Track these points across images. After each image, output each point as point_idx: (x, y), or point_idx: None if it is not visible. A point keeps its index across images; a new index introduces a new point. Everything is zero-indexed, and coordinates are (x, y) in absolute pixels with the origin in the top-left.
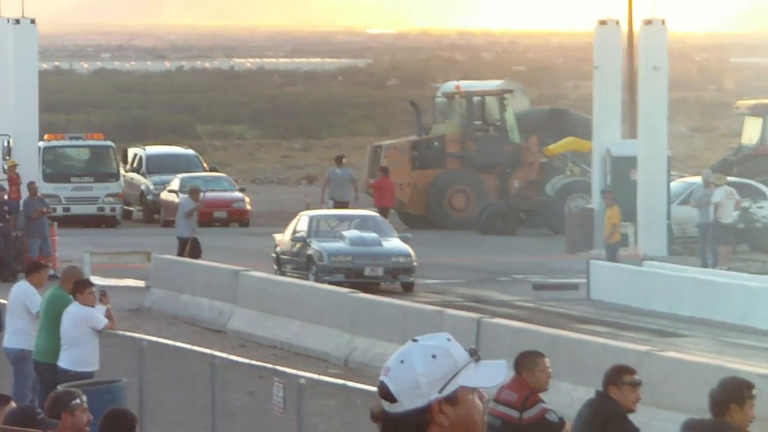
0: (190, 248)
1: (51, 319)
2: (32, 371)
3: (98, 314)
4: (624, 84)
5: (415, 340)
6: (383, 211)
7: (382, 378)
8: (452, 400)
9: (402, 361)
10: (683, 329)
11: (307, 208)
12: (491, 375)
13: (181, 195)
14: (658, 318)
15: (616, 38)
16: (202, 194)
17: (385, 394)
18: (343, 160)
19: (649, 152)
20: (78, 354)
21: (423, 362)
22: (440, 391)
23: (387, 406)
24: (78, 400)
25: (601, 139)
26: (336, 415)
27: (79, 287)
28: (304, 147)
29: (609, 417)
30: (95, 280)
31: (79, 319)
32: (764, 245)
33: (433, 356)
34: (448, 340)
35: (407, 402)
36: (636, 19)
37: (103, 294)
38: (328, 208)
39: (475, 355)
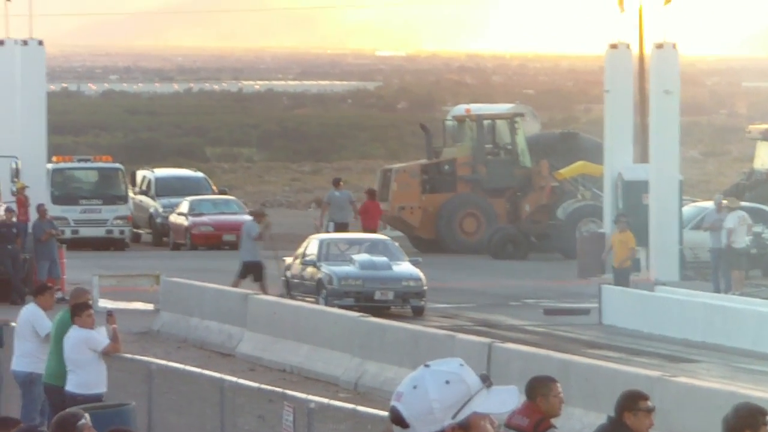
0: (255, 272)
1: (60, 342)
2: (41, 394)
3: (97, 336)
4: (635, 108)
5: (427, 366)
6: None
7: (394, 403)
8: (465, 426)
9: (415, 387)
10: (695, 355)
11: (317, 231)
12: (503, 401)
13: (246, 219)
14: (670, 343)
15: (627, 62)
16: (267, 217)
17: (398, 419)
18: (341, 182)
19: (660, 176)
20: (82, 377)
21: (436, 388)
22: (453, 417)
23: (399, 431)
24: (83, 420)
25: (613, 163)
26: None
27: (76, 310)
28: (313, 170)
29: None
30: (104, 303)
31: (78, 342)
32: None
33: (447, 382)
34: (461, 365)
35: (420, 428)
36: (647, 43)
37: (110, 314)
38: (328, 231)
39: (487, 380)
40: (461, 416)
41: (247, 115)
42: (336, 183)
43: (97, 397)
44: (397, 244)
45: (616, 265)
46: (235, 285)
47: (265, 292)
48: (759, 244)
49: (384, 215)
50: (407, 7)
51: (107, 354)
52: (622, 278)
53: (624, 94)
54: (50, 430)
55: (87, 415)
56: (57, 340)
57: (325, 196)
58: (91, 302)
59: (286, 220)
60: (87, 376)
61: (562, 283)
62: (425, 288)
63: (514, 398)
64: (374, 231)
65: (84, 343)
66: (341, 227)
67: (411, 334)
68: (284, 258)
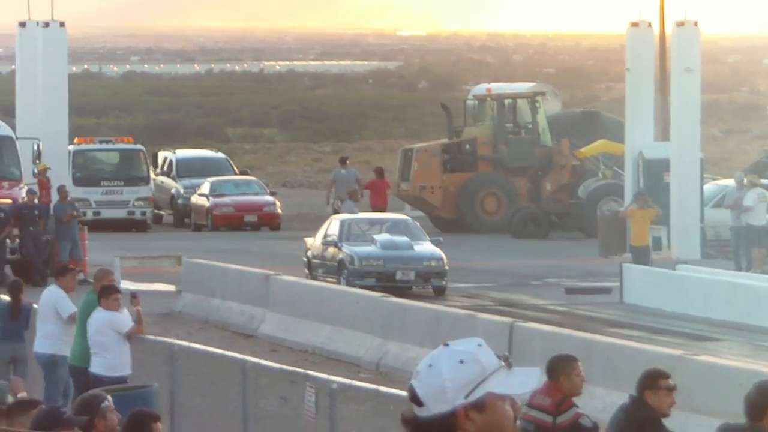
0: None
1: (85, 323)
2: (63, 376)
3: (122, 317)
4: (656, 86)
5: (446, 345)
6: (377, 212)
7: (412, 382)
8: (479, 406)
9: (430, 365)
10: (717, 333)
11: (337, 212)
12: (522, 382)
13: (343, 202)
14: (692, 322)
15: (649, 40)
16: (359, 195)
17: (414, 397)
18: (348, 161)
19: (681, 155)
20: (108, 359)
21: (450, 367)
22: (466, 397)
23: (416, 410)
24: (106, 402)
25: (634, 141)
26: (368, 420)
27: (104, 293)
28: (334, 150)
29: (643, 422)
30: (126, 284)
31: (103, 324)
32: None
33: (461, 361)
34: (479, 345)
35: (433, 406)
36: (668, 21)
37: (134, 296)
38: (335, 208)
39: (506, 361)
40: (474, 396)
41: (268, 95)
42: (342, 161)
43: (122, 380)
44: (418, 223)
45: (634, 242)
46: None
47: None
48: None
49: (405, 195)
50: None
51: (131, 336)
52: (641, 256)
53: (645, 73)
54: (73, 412)
55: (109, 397)
56: (82, 321)
57: (331, 174)
58: (116, 284)
59: (307, 200)
60: (112, 358)
61: (583, 262)
62: (446, 268)
63: (533, 380)
64: (384, 209)
65: (109, 325)
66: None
67: (432, 314)
68: (305, 239)
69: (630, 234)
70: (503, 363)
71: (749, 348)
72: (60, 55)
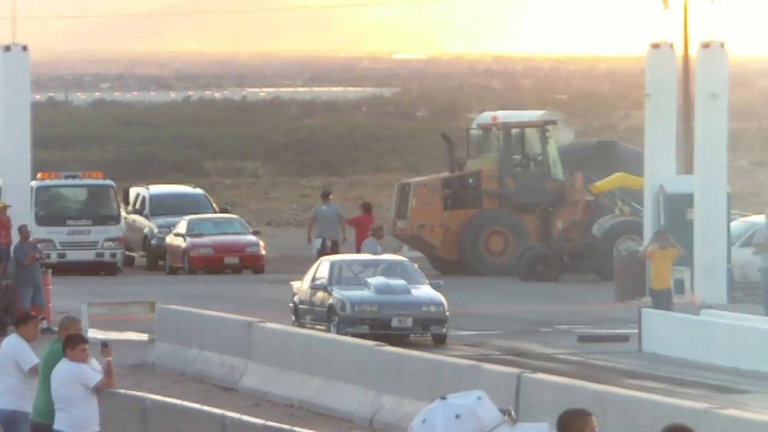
0: None
1: (49, 376)
2: None
3: (89, 370)
4: (679, 113)
5: (443, 398)
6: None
7: None
8: None
9: (424, 421)
10: (745, 384)
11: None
12: None
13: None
14: (718, 372)
15: (671, 63)
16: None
17: None
18: (330, 196)
19: (707, 189)
20: (73, 415)
21: (444, 422)
22: None
23: None
24: None
25: (654, 174)
26: None
27: (70, 342)
28: (324, 185)
29: None
30: (93, 333)
31: (69, 377)
32: None
33: (457, 416)
34: (478, 399)
35: None
36: (692, 42)
37: (105, 346)
38: (317, 248)
39: (509, 416)
40: None
41: (251, 125)
42: (325, 196)
43: None
44: (416, 265)
45: (654, 285)
46: None
47: None
48: None
49: (402, 234)
50: (428, 6)
51: (100, 389)
52: (662, 300)
53: (667, 99)
54: None
55: None
56: (45, 374)
57: (311, 211)
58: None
59: (293, 240)
60: (78, 414)
61: (598, 308)
62: (447, 314)
63: None
64: None
65: (75, 378)
66: (334, 244)
67: (432, 365)
68: (292, 282)
69: (650, 276)
70: (506, 418)
71: None
72: (22, 82)
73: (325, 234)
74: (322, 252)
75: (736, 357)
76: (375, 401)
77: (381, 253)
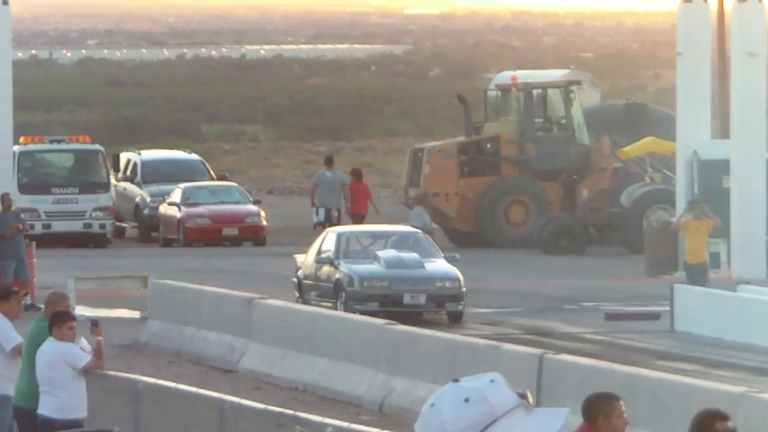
0: None
1: (34, 357)
2: (6, 420)
3: (77, 350)
4: (714, 73)
5: (455, 381)
6: (357, 219)
7: (415, 424)
8: None
9: (432, 405)
10: None
11: (328, 224)
12: (540, 425)
13: (417, 209)
14: (756, 353)
15: (704, 19)
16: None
17: None
18: (334, 161)
19: (744, 155)
20: (60, 399)
21: (453, 406)
22: None
23: None
24: None
25: (687, 139)
26: None
27: (56, 320)
28: (330, 150)
29: None
30: (81, 310)
31: (55, 357)
32: None
33: (466, 400)
34: (491, 381)
35: None
36: None
37: (95, 324)
38: (320, 218)
39: (524, 399)
40: None
41: (251, 86)
42: (328, 161)
43: (77, 423)
44: (429, 237)
45: (689, 259)
46: None
47: None
48: None
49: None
50: None
51: (88, 371)
52: (697, 276)
53: (700, 57)
54: None
55: None
56: (30, 354)
57: (313, 176)
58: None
59: (297, 210)
60: (65, 398)
61: (627, 283)
62: (464, 290)
63: (557, 422)
64: (363, 217)
65: (62, 359)
66: (329, 213)
67: (447, 345)
68: (295, 255)
69: (683, 249)
70: (522, 402)
71: None
72: (2, 39)
73: (328, 203)
74: (328, 223)
75: None
76: (385, 384)
77: (430, 225)
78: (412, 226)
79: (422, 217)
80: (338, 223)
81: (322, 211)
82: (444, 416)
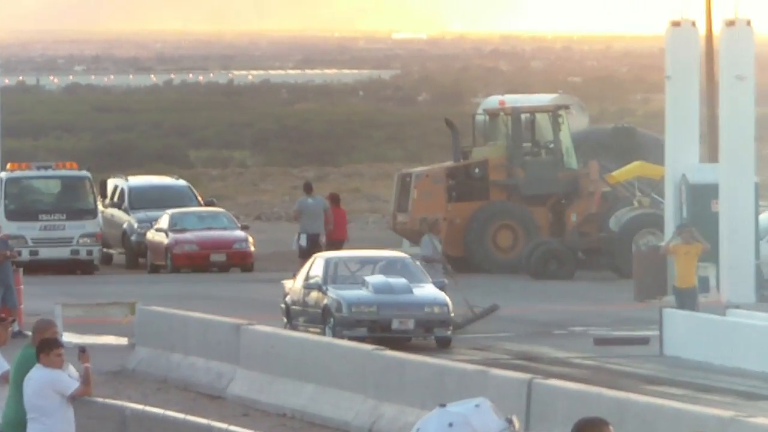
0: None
1: (21, 384)
2: None
3: (65, 377)
4: (702, 97)
5: (442, 406)
6: (336, 245)
7: None
8: None
9: (418, 429)
10: None
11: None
12: None
13: (427, 237)
14: (745, 377)
15: (693, 42)
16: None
17: None
18: (312, 188)
19: (733, 178)
20: (47, 426)
21: (436, 431)
22: None
23: None
24: None
25: (676, 163)
26: None
27: (44, 347)
28: (318, 176)
29: None
30: (69, 337)
31: (43, 384)
32: None
33: (450, 425)
34: (476, 407)
35: None
36: (716, 20)
37: (83, 351)
38: (300, 243)
39: (510, 424)
40: None
41: (238, 111)
42: (308, 188)
43: None
44: (418, 262)
45: (679, 284)
46: None
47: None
48: None
49: (403, 229)
50: None
51: (76, 398)
52: (687, 300)
53: (688, 81)
54: None
55: None
56: (17, 382)
57: (296, 203)
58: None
59: (284, 235)
60: (52, 425)
61: (616, 308)
62: (452, 315)
63: None
64: (342, 242)
65: (50, 386)
66: (314, 239)
67: (435, 370)
68: (283, 281)
69: (672, 274)
70: (508, 426)
71: None
72: None
73: (310, 229)
74: (313, 249)
75: (765, 361)
76: (374, 410)
77: (440, 252)
78: (422, 255)
79: (431, 246)
80: (323, 249)
81: (304, 237)
82: None
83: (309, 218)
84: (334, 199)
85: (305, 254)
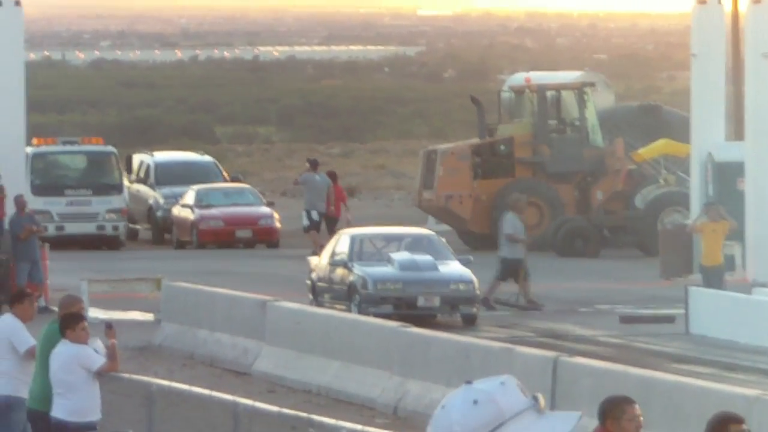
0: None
1: (47, 360)
2: (20, 422)
3: (91, 352)
4: (728, 75)
5: (468, 383)
6: (331, 221)
7: (428, 427)
8: None
9: (443, 406)
10: None
11: (348, 226)
12: (550, 428)
13: (511, 215)
14: None
15: (719, 20)
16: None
17: None
18: (318, 164)
19: (758, 156)
20: (73, 402)
21: (461, 408)
22: None
23: None
24: None
25: (701, 141)
26: None
27: (69, 322)
28: (343, 152)
29: None
30: (94, 312)
31: (69, 359)
32: None
33: (474, 402)
34: (502, 384)
35: None
36: None
37: (109, 327)
38: (313, 218)
39: (536, 402)
40: None
41: (264, 87)
42: (314, 164)
43: (91, 426)
44: (443, 239)
45: (705, 262)
46: (492, 288)
47: (525, 293)
48: None
49: (429, 206)
50: None
51: (102, 374)
52: (713, 278)
53: (714, 59)
54: None
55: None
56: (43, 357)
57: (300, 176)
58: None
59: None
60: (78, 400)
61: (642, 286)
62: (478, 292)
63: (567, 425)
64: (336, 220)
65: (76, 361)
66: (323, 216)
67: (461, 348)
68: (309, 257)
69: (698, 252)
70: (533, 404)
71: None
72: (15, 40)
73: (315, 206)
74: (317, 225)
75: None
76: (400, 387)
77: (523, 231)
78: (504, 233)
79: (516, 223)
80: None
81: (314, 213)
82: (452, 418)
83: (314, 194)
84: (331, 176)
85: (314, 228)
